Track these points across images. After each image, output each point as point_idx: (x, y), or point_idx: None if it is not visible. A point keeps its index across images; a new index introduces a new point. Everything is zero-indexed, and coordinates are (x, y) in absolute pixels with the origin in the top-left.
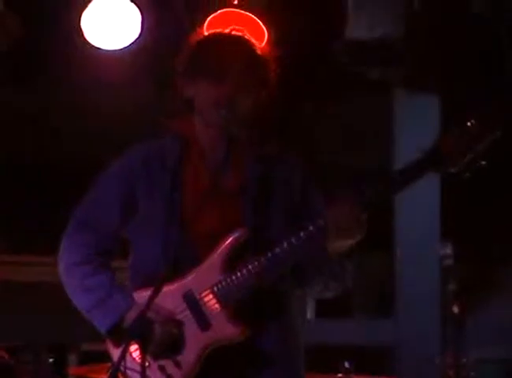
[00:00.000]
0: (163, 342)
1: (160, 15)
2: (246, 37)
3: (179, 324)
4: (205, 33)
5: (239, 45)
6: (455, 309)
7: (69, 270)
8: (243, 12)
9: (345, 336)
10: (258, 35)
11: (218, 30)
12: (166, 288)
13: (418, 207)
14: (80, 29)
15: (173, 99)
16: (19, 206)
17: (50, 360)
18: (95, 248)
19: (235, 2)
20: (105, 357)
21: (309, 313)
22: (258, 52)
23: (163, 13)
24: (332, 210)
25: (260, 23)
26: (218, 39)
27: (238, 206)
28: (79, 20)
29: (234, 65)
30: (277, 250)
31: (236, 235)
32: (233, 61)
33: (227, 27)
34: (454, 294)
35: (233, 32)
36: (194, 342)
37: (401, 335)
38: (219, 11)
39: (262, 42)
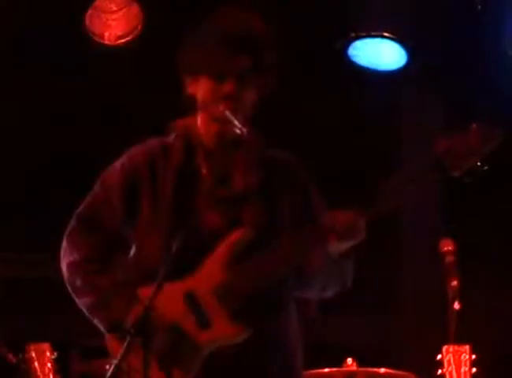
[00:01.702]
0: (163, 347)
1: (161, 10)
2: (248, 32)
3: (180, 327)
4: (207, 28)
5: (242, 40)
6: (457, 306)
7: (72, 269)
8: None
9: (347, 333)
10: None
11: (221, 25)
12: (168, 288)
13: (420, 203)
14: (85, 24)
15: (177, 97)
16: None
17: (53, 357)
18: (98, 246)
19: None
20: (106, 353)
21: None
22: (261, 48)
23: (164, 8)
24: (334, 215)
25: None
26: (220, 35)
27: (242, 207)
28: (83, 15)
29: (236, 61)
30: (279, 249)
31: (239, 234)
32: (235, 57)
33: (230, 23)
34: (455, 291)
35: (236, 28)
36: (195, 342)
37: (402, 332)
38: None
39: (264, 39)
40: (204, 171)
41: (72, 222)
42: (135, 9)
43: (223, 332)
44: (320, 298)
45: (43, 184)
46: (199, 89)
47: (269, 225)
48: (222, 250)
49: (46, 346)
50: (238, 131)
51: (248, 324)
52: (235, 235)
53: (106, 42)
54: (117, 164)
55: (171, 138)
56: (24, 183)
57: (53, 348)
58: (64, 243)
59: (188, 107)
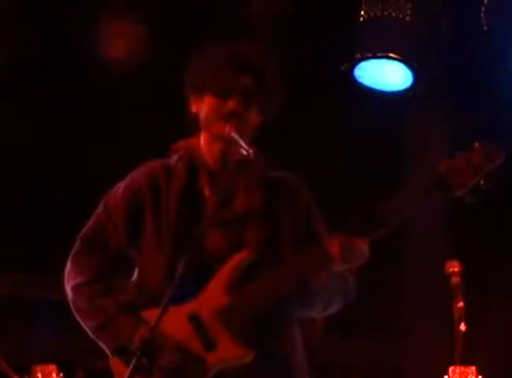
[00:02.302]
0: (169, 369)
1: (169, 30)
2: (251, 54)
3: (185, 350)
4: (213, 49)
5: (245, 60)
6: (463, 327)
7: (76, 291)
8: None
9: (353, 354)
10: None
11: (225, 47)
12: (172, 310)
13: (425, 224)
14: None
15: (182, 116)
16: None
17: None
18: (102, 269)
19: None
20: (111, 375)
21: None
22: (263, 69)
23: (173, 29)
24: (338, 241)
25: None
26: (224, 55)
27: (244, 228)
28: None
29: (239, 79)
30: (281, 271)
31: (241, 256)
32: (239, 75)
33: (234, 46)
34: (461, 312)
35: (240, 50)
36: (201, 364)
37: (407, 353)
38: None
39: (266, 61)
40: (207, 192)
41: (76, 244)
42: (141, 30)
43: (228, 354)
44: (323, 316)
45: (46, 202)
46: (203, 107)
47: (271, 246)
48: (225, 272)
49: (51, 367)
50: (244, 152)
51: (252, 346)
52: (238, 257)
53: (112, 61)
54: (120, 186)
55: (173, 159)
56: (27, 201)
57: (59, 369)
58: (69, 266)
59: (191, 128)
